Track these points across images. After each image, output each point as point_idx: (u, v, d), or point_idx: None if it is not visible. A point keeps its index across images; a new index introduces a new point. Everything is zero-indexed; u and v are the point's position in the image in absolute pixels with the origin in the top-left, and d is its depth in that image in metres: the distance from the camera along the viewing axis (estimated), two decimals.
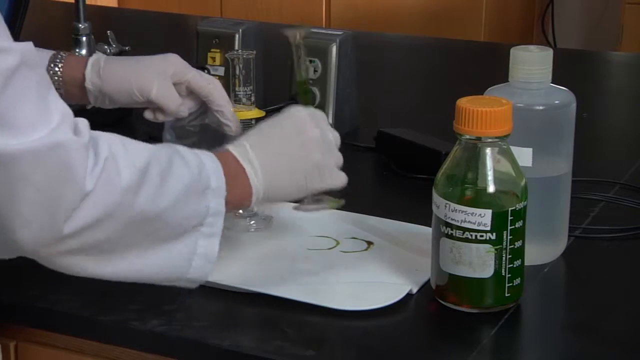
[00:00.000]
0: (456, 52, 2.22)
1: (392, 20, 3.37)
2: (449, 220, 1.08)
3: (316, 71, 1.61)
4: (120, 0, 3.74)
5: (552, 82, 1.18)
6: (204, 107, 1.26)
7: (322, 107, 1.60)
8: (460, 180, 1.09)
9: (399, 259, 1.21)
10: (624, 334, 1.10)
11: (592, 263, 1.24)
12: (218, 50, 1.65)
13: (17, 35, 1.20)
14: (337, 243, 1.26)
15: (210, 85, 1.25)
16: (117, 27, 1.91)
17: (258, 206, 1.06)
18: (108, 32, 1.77)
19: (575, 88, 1.21)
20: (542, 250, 1.20)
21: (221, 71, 1.64)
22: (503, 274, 1.09)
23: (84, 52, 1.74)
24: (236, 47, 1.63)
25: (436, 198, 1.10)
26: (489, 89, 1.19)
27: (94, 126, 0.97)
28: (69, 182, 0.92)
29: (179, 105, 1.25)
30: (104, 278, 1.01)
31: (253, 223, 1.30)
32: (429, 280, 1.14)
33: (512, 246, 1.09)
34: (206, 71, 1.55)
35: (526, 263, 1.12)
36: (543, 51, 1.17)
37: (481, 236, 1.07)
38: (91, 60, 1.26)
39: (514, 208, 1.08)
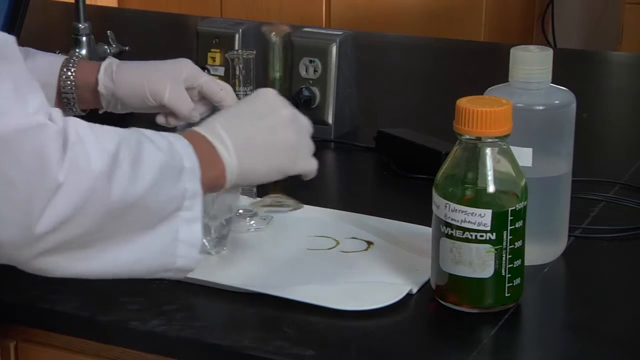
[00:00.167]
0: (456, 52, 2.22)
1: (392, 20, 3.37)
2: (449, 220, 1.08)
3: (316, 71, 1.61)
4: (120, 0, 3.73)
5: (552, 82, 1.18)
6: (215, 112, 1.26)
7: (322, 107, 1.61)
8: (460, 180, 1.09)
9: (398, 259, 1.21)
10: (624, 334, 1.10)
11: (592, 263, 1.24)
12: (218, 50, 1.65)
13: (17, 35, 1.20)
14: (337, 243, 1.26)
15: (222, 91, 1.24)
16: (117, 27, 1.91)
17: (233, 186, 1.04)
18: (108, 32, 1.77)
19: (575, 88, 1.21)
20: (542, 250, 1.20)
21: (221, 71, 1.64)
22: (503, 274, 1.09)
23: (84, 52, 1.73)
24: (236, 47, 1.63)
25: (436, 198, 1.10)
26: (489, 89, 1.19)
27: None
28: (41, 172, 0.89)
29: (191, 110, 1.24)
30: (91, 277, 0.98)
31: (253, 223, 1.30)
32: (428, 280, 1.14)
33: (512, 246, 1.09)
34: (206, 71, 1.55)
35: (526, 263, 1.11)
36: (543, 51, 1.17)
37: (481, 236, 1.07)
38: (104, 64, 1.25)
39: (514, 208, 1.08)
